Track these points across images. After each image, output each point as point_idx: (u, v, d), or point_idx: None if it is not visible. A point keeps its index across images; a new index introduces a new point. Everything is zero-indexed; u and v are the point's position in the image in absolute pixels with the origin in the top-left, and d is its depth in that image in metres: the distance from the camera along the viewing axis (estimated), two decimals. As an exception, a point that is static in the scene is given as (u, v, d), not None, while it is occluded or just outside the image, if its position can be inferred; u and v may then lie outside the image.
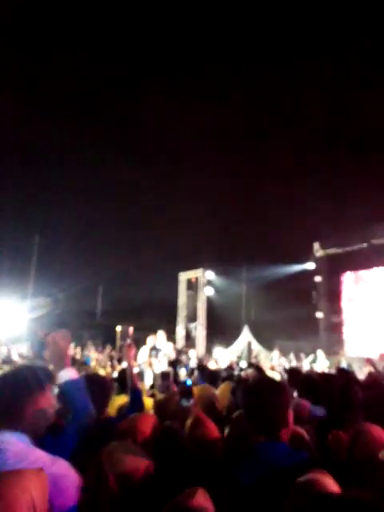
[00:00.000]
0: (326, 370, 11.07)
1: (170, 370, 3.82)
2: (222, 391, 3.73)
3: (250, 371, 5.23)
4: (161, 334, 8.71)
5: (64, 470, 1.46)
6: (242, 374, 4.93)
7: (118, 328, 8.23)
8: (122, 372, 4.72)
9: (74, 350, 13.10)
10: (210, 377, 4.44)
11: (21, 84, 21.01)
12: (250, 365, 5.53)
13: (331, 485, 1.29)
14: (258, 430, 1.71)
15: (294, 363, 13.02)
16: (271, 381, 1.93)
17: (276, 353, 13.78)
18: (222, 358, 13.63)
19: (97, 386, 2.38)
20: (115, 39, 21.55)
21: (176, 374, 4.46)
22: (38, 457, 1.48)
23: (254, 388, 1.82)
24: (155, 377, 4.35)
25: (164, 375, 3.56)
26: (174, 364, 5.02)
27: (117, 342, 13.53)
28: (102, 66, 21.58)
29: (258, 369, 5.35)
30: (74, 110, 22.30)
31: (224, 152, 25.46)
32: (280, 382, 1.94)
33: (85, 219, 23.76)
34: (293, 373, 5.05)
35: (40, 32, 20.36)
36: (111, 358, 11.21)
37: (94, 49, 21.17)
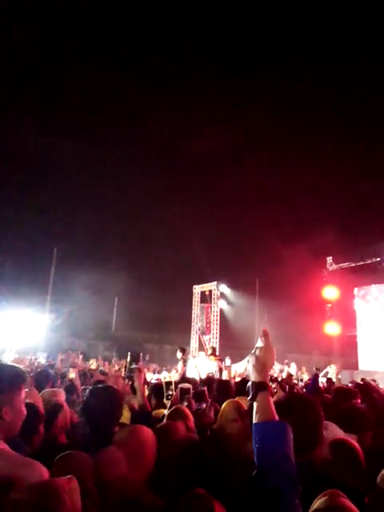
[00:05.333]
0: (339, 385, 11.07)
1: (190, 386, 3.75)
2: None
3: (273, 386, 5.22)
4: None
5: (37, 473, 1.43)
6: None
7: (129, 354, 8.69)
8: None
9: (96, 363, 13.35)
10: (221, 388, 4.52)
11: (40, 104, 21.87)
12: (273, 380, 5.51)
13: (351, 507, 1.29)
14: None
15: (306, 377, 13.10)
16: (303, 398, 1.90)
17: (287, 366, 13.85)
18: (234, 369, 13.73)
19: (109, 397, 2.53)
20: (128, 57, 22.33)
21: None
22: (11, 458, 1.46)
23: (285, 405, 1.77)
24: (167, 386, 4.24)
25: (183, 391, 3.45)
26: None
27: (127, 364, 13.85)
28: (120, 85, 22.29)
29: (281, 385, 5.41)
30: (91, 128, 23.06)
31: (237, 171, 25.92)
32: (312, 399, 1.89)
33: (101, 233, 24.30)
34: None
35: (56, 53, 21.25)
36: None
37: (109, 67, 21.93)
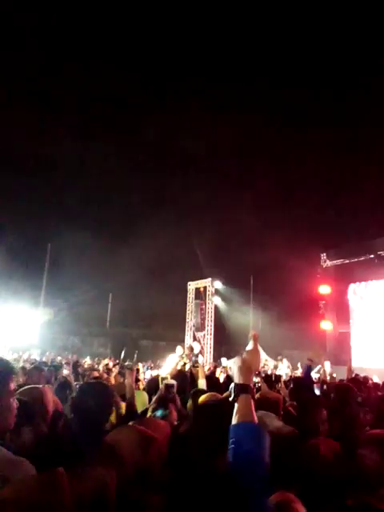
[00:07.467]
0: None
1: (174, 382, 3.73)
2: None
3: (257, 380, 5.24)
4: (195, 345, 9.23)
5: (25, 471, 1.40)
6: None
7: (123, 350, 8.68)
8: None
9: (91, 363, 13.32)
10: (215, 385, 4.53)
11: (36, 101, 21.70)
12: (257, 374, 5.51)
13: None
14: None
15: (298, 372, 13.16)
16: (211, 406, 1.90)
17: (283, 362, 13.90)
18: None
19: (100, 393, 2.43)
20: (128, 57, 22.20)
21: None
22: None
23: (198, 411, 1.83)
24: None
25: (168, 387, 3.45)
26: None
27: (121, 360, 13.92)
28: (116, 83, 22.16)
29: (267, 379, 5.42)
30: (86, 125, 22.90)
31: (232, 168, 25.90)
32: (220, 407, 1.86)
33: (96, 229, 24.17)
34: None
35: (56, 52, 21.08)
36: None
37: (106, 65, 21.79)
